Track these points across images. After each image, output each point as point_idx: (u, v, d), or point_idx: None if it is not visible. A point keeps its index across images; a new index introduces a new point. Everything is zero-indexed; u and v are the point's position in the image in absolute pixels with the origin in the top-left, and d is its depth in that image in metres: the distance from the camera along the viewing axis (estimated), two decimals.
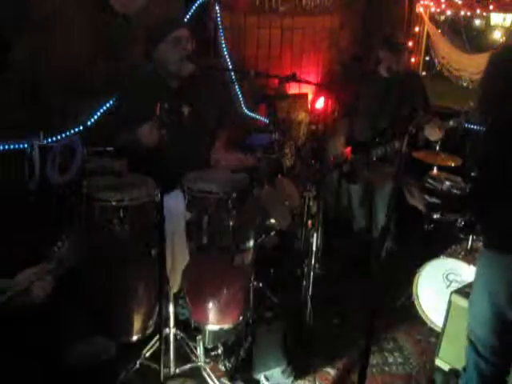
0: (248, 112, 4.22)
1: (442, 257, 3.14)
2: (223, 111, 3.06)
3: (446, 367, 2.74)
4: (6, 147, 2.85)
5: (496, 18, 5.27)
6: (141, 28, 3.39)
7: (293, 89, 4.70)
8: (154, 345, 2.67)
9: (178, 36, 2.69)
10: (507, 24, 5.24)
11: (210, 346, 2.83)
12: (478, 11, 4.84)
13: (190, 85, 2.81)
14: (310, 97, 4.78)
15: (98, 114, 3.20)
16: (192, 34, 2.78)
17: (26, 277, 1.76)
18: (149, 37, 2.78)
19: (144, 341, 2.66)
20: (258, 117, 4.35)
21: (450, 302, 2.74)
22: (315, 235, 3.06)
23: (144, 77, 3.00)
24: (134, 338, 2.56)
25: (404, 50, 3.66)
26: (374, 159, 3.57)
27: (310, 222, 3.33)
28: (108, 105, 3.23)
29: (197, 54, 2.81)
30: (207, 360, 2.81)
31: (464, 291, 2.70)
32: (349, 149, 3.78)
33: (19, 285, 1.73)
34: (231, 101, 3.86)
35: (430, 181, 3.61)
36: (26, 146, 2.78)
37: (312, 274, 3.08)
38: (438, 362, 2.79)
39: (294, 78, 2.63)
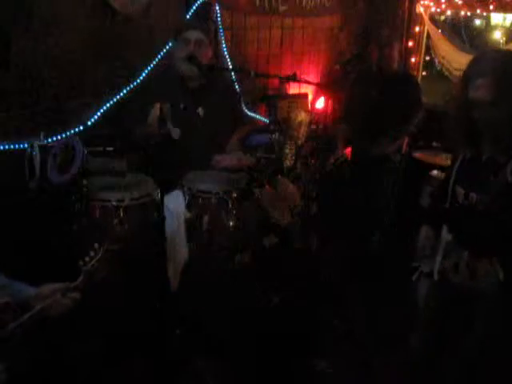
0: (248, 112, 4.22)
1: None
2: (237, 111, 3.09)
3: None
4: (6, 147, 2.85)
5: (496, 18, 5.27)
6: (141, 28, 3.39)
7: (293, 89, 4.70)
8: (153, 344, 2.68)
9: (188, 37, 2.74)
10: (507, 24, 5.25)
11: None
12: (478, 11, 4.84)
13: (209, 87, 2.84)
14: (310, 97, 4.78)
15: (99, 113, 3.20)
16: (210, 40, 2.83)
17: (49, 291, 1.68)
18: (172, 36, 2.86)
19: (144, 340, 2.66)
20: (258, 117, 4.35)
21: None
22: (315, 235, 3.07)
23: (165, 74, 3.04)
24: (135, 337, 2.57)
25: (391, 46, 3.67)
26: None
27: (309, 221, 3.32)
28: (108, 105, 3.23)
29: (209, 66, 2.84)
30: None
31: None
32: (349, 149, 3.78)
33: (42, 298, 1.65)
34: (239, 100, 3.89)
35: None
36: (25, 146, 2.78)
37: (312, 273, 3.08)
38: None
39: (294, 78, 2.64)
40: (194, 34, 2.76)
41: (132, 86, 3.29)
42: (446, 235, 2.00)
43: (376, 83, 3.63)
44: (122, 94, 3.24)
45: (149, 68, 3.33)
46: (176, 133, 2.41)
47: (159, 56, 3.40)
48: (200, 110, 2.83)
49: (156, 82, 2.97)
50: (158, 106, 2.34)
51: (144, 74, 3.33)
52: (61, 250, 2.46)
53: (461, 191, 2.02)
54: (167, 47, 3.31)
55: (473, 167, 2.00)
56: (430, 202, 2.22)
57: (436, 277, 2.06)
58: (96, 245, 1.76)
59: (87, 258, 1.73)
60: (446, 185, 2.09)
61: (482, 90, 1.83)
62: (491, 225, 1.88)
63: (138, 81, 3.31)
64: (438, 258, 2.04)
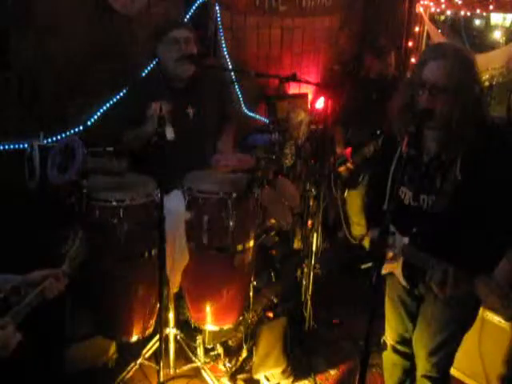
0: (248, 112, 4.22)
1: None
2: (227, 110, 3.08)
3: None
4: (6, 147, 2.85)
5: (496, 18, 5.27)
6: (141, 28, 3.39)
7: (293, 89, 4.70)
8: (153, 345, 2.68)
9: (177, 36, 2.71)
10: (507, 24, 5.24)
11: (209, 346, 2.84)
12: (478, 11, 4.84)
13: (195, 86, 2.82)
14: (310, 97, 4.78)
15: (98, 113, 3.20)
16: (195, 36, 2.80)
17: (40, 277, 1.76)
18: (153, 37, 2.82)
19: (144, 341, 2.66)
20: (258, 117, 4.35)
21: None
22: (315, 235, 3.06)
23: (148, 76, 3.03)
24: (135, 337, 2.57)
25: (388, 51, 3.67)
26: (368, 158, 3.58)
27: (309, 221, 3.32)
28: (108, 105, 3.22)
29: (199, 55, 2.82)
30: (207, 360, 2.82)
31: None
32: (349, 149, 3.78)
33: (33, 282, 1.73)
34: (232, 99, 3.88)
35: None
36: (25, 146, 2.78)
37: (312, 273, 3.08)
38: None
39: (294, 78, 2.63)
40: (181, 33, 2.74)
41: (128, 86, 3.28)
42: (398, 237, 1.93)
43: (375, 86, 3.64)
44: (121, 94, 3.24)
45: (148, 68, 3.33)
46: (170, 133, 2.40)
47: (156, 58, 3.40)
48: (189, 110, 2.82)
49: (142, 84, 2.96)
50: (156, 105, 2.34)
51: (143, 75, 3.33)
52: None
53: (407, 192, 1.96)
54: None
55: (415, 167, 1.94)
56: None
57: (404, 282, 2.02)
58: (70, 232, 1.90)
59: (67, 246, 1.86)
60: (382, 185, 1.99)
61: (437, 70, 1.78)
62: (447, 226, 1.83)
63: (135, 81, 3.31)
64: (399, 262, 1.99)
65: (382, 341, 2.37)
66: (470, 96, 1.79)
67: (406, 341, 2.22)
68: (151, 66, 3.34)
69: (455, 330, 2.05)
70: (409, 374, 2.27)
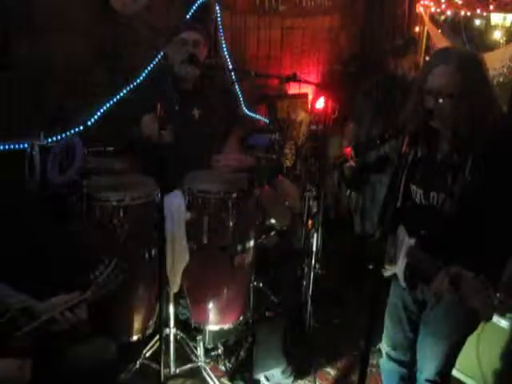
0: (248, 112, 4.22)
1: None
2: (233, 111, 3.08)
3: None
4: (6, 147, 2.86)
5: (496, 18, 5.26)
6: (142, 28, 3.40)
7: (293, 89, 4.70)
8: (154, 345, 2.68)
9: (186, 38, 2.72)
10: (507, 24, 5.23)
11: (210, 346, 2.84)
12: (478, 11, 4.84)
13: (202, 88, 2.83)
14: (310, 97, 4.79)
15: (99, 113, 3.20)
16: (206, 39, 2.80)
17: (58, 303, 1.70)
18: (164, 37, 2.82)
19: (144, 341, 2.66)
20: (258, 117, 4.36)
21: None
22: (315, 235, 3.06)
23: (156, 77, 3.03)
24: (135, 337, 2.57)
25: (403, 55, 3.65)
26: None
27: (310, 221, 3.32)
28: (108, 105, 3.23)
29: (206, 58, 2.82)
30: (207, 360, 2.82)
31: None
32: (349, 149, 3.78)
33: (49, 312, 1.67)
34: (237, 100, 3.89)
35: None
36: (25, 146, 2.78)
37: (312, 274, 3.08)
38: None
39: (294, 78, 2.63)
40: (190, 35, 2.74)
41: (131, 86, 3.29)
42: (406, 238, 1.93)
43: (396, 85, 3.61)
44: (121, 94, 3.25)
45: (148, 68, 3.34)
46: (168, 136, 2.40)
47: (158, 57, 3.41)
48: (195, 112, 2.82)
49: (150, 84, 2.96)
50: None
51: (144, 75, 3.34)
52: (63, 256, 2.47)
53: (418, 190, 1.96)
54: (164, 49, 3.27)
55: (428, 166, 1.94)
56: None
57: (403, 284, 1.99)
58: (107, 260, 1.78)
59: (97, 272, 1.75)
60: (397, 184, 1.95)
61: (441, 77, 1.77)
62: (454, 226, 1.82)
63: (138, 81, 3.32)
64: (401, 264, 1.96)
65: (377, 348, 2.38)
66: (477, 99, 1.78)
67: (402, 348, 2.19)
68: (152, 65, 3.35)
69: (459, 335, 2.04)
70: (406, 380, 2.25)
